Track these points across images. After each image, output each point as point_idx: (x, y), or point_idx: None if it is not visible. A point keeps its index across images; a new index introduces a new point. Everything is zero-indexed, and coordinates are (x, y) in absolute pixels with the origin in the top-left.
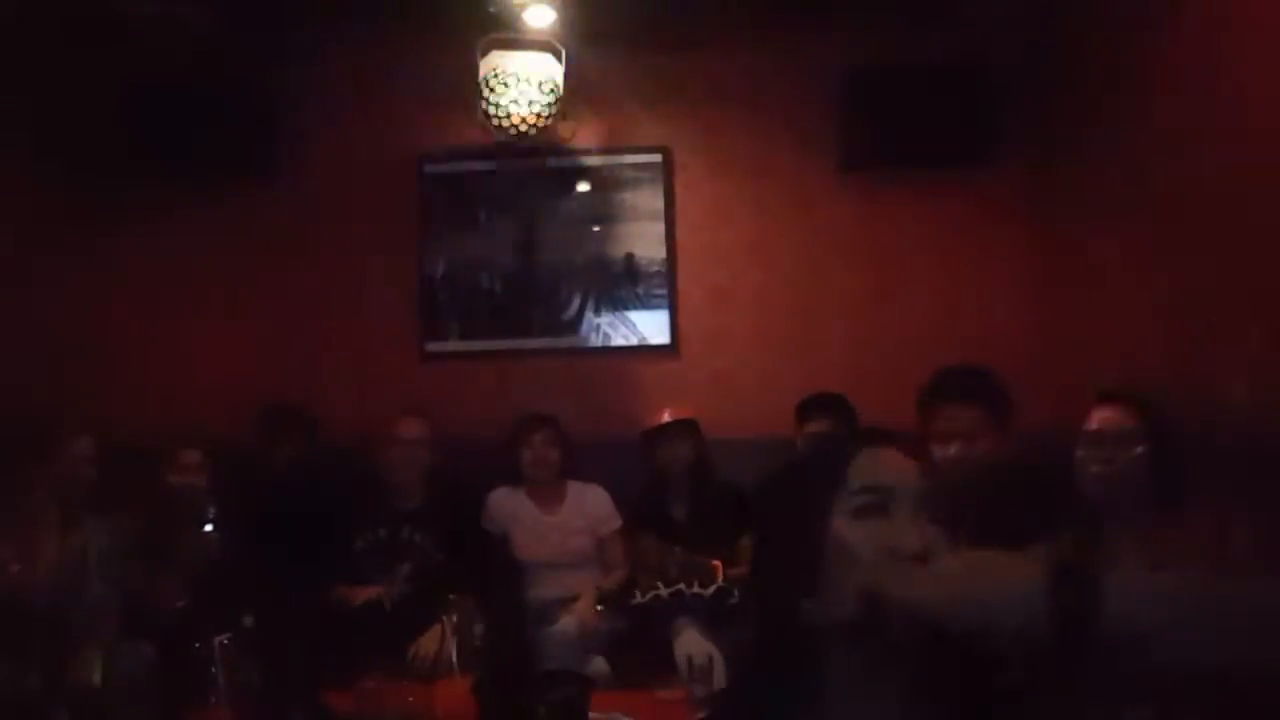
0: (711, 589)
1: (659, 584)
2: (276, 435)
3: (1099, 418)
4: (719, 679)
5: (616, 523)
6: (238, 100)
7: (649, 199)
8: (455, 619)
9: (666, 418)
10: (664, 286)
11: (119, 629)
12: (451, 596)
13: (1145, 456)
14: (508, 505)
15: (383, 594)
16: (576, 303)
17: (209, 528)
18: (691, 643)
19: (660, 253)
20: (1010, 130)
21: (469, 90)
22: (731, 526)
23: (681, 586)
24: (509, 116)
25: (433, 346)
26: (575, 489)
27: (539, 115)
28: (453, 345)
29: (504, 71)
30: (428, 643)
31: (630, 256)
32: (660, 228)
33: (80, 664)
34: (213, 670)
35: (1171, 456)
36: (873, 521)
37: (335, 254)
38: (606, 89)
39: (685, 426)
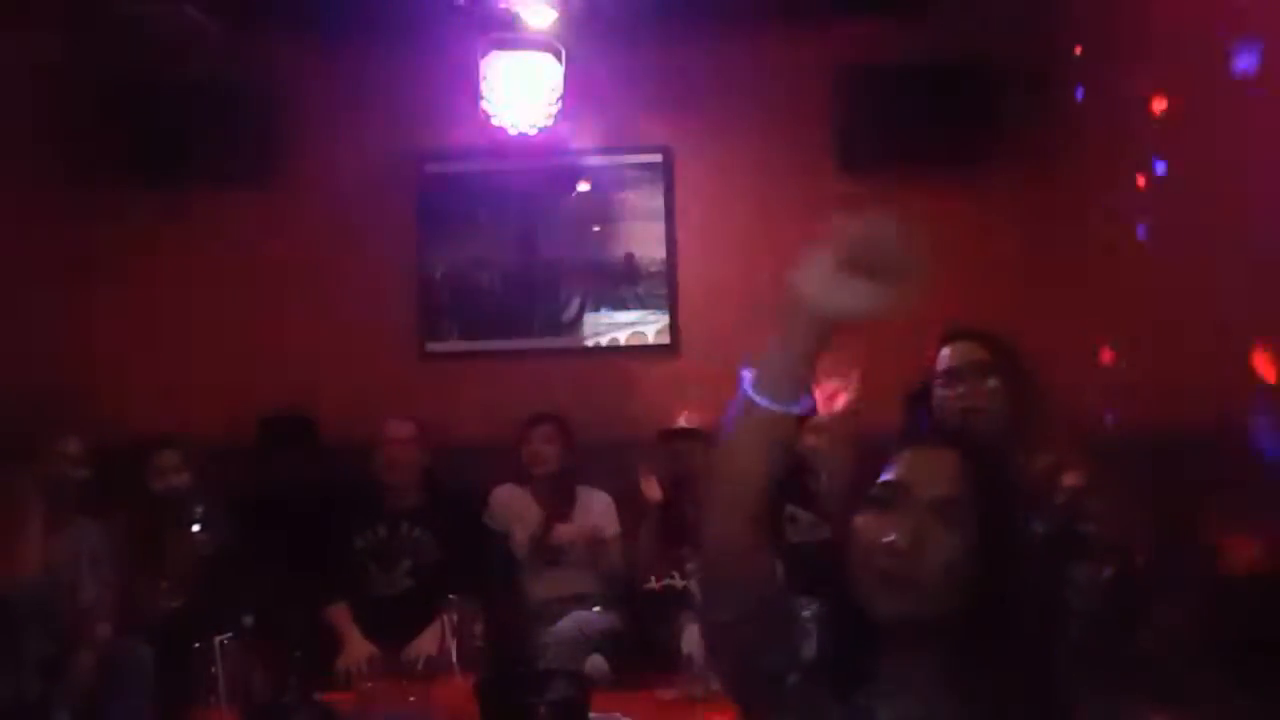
0: None
1: (674, 573)
2: (278, 443)
3: (950, 353)
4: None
5: (615, 528)
6: (238, 100)
7: (649, 199)
8: (455, 619)
9: (682, 422)
10: (664, 286)
11: (116, 629)
12: (451, 596)
13: (1000, 390)
14: (511, 503)
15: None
16: (576, 303)
17: (197, 528)
18: (695, 640)
19: (660, 253)
20: (1010, 130)
21: (469, 90)
22: None
23: (692, 581)
24: (509, 116)
25: (433, 346)
26: (583, 492)
27: (539, 115)
28: (453, 345)
29: (504, 71)
30: (425, 643)
31: (630, 256)
32: (660, 228)
33: (78, 664)
34: (213, 670)
35: (1026, 392)
36: (876, 512)
37: (335, 254)
38: (606, 89)
39: (697, 434)
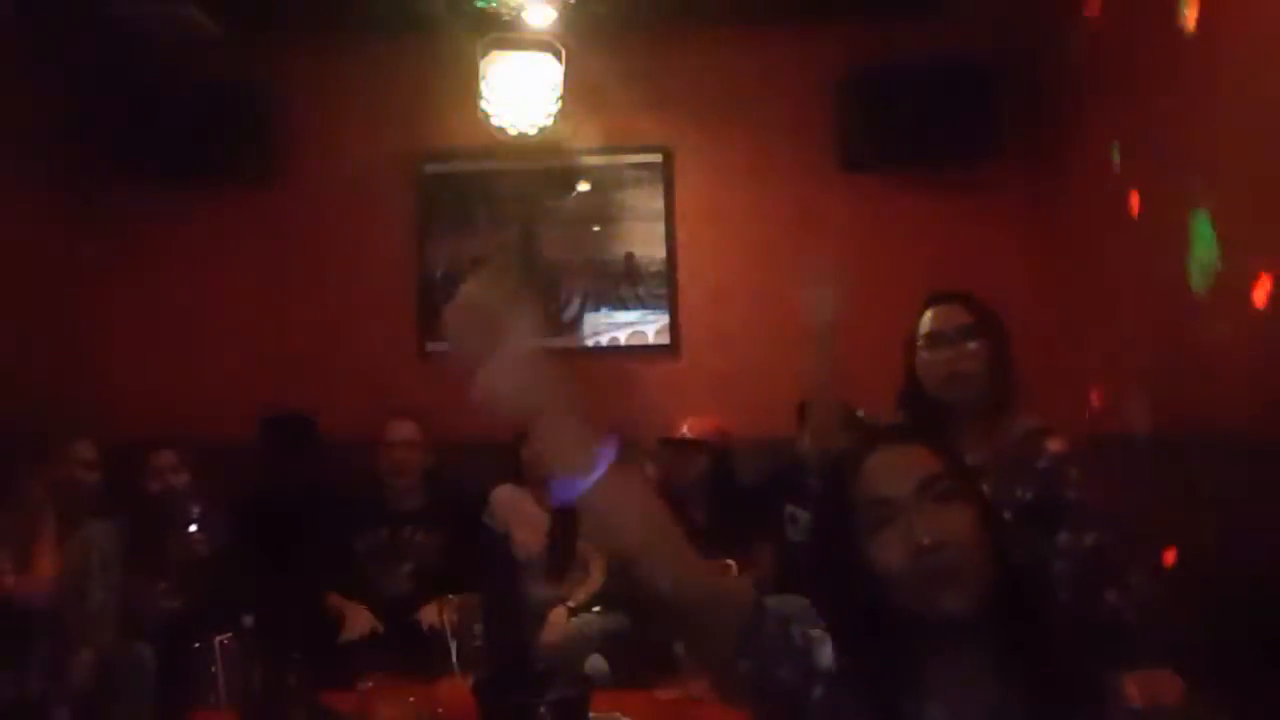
0: None
1: None
2: (280, 445)
3: (932, 316)
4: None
5: None
6: (238, 100)
7: (649, 199)
8: (455, 619)
9: (685, 431)
10: (664, 286)
11: (118, 631)
12: (451, 596)
13: (983, 352)
14: (511, 503)
15: (374, 627)
16: (576, 303)
17: (194, 528)
18: None
19: (660, 253)
20: (1010, 130)
21: (469, 90)
22: (750, 530)
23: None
24: (509, 116)
25: (433, 346)
26: None
27: (539, 115)
28: None
29: (504, 71)
30: (429, 612)
31: (630, 256)
32: (660, 228)
33: (79, 666)
34: (213, 670)
35: (1006, 355)
36: (880, 533)
37: (335, 254)
38: (606, 89)
39: (699, 445)
